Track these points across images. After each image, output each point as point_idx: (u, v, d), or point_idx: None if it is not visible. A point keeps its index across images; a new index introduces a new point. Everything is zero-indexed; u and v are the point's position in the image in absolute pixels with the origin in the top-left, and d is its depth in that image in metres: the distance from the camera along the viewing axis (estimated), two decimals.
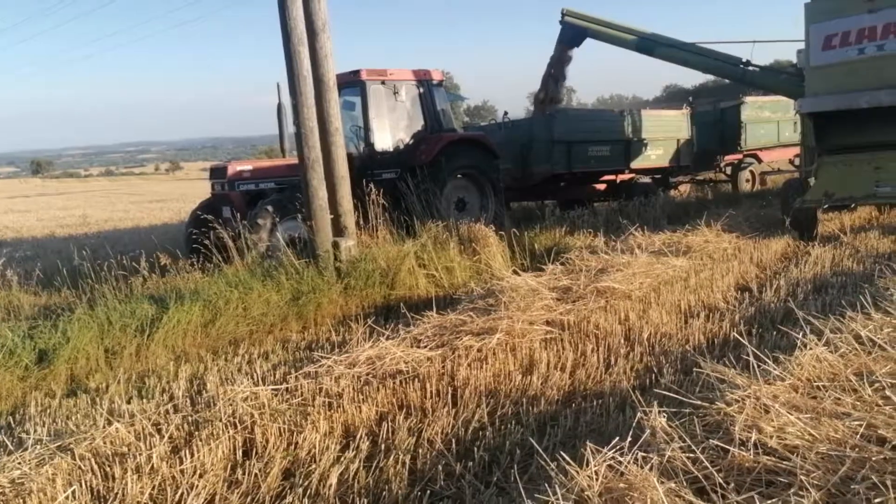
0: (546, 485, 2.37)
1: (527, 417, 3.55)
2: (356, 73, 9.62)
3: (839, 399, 2.88)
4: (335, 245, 6.79)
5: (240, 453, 3.32)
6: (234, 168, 9.12)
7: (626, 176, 13.71)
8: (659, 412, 2.77)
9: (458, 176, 10.19)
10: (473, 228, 8.18)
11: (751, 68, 11.36)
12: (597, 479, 2.35)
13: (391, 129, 10.04)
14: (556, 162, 12.16)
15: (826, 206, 8.29)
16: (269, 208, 8.16)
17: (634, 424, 2.86)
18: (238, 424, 3.51)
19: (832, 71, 7.57)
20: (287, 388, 4.02)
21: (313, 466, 3.10)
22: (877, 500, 2.10)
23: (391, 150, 9.98)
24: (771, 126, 15.67)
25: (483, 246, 7.84)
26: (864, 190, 7.79)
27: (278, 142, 9.76)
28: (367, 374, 4.15)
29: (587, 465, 2.41)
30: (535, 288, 5.69)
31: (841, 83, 7.51)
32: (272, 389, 3.98)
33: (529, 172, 12.28)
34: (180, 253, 7.95)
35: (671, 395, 3.13)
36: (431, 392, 3.88)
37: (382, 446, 3.27)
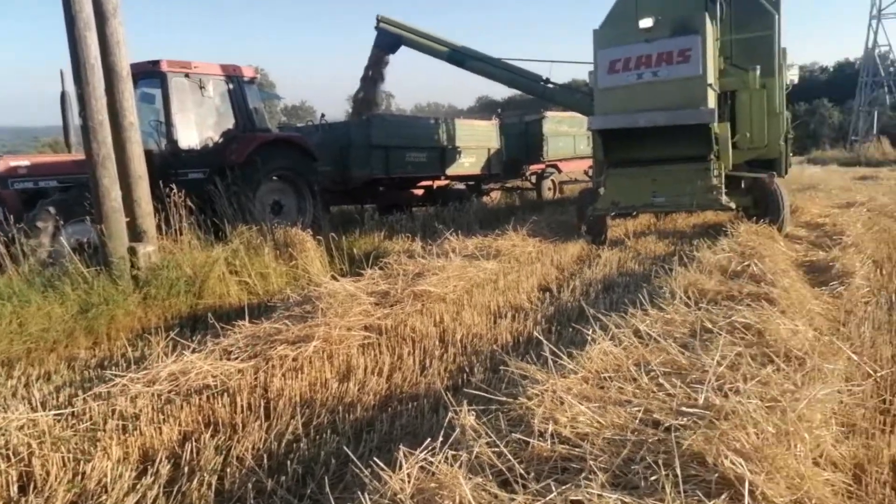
0: (359, 492, 2.36)
1: (343, 425, 3.51)
2: (156, 63, 8.88)
3: (622, 388, 3.20)
4: (132, 251, 6.20)
5: (15, 489, 2.90)
6: (6, 163, 7.97)
7: (443, 182, 14.20)
8: (469, 411, 2.88)
9: (274, 178, 9.84)
10: (290, 233, 7.95)
11: (550, 85, 12.33)
12: (409, 482, 2.39)
13: (197, 126, 9.42)
14: (374, 166, 12.25)
15: (613, 213, 9.27)
16: (51, 209, 7.24)
17: (446, 424, 2.94)
18: (12, 457, 3.06)
19: (616, 93, 8.47)
20: (73, 413, 3.58)
21: (104, 497, 2.80)
22: (652, 478, 2.36)
23: (198, 148, 9.37)
24: (568, 139, 17.19)
25: (300, 251, 7.65)
26: (643, 199, 8.82)
27: (63, 134, 8.71)
28: (170, 392, 3.84)
29: (400, 469, 2.43)
30: (353, 293, 5.66)
31: (623, 104, 8.43)
32: (54, 415, 3.52)
33: (348, 176, 12.23)
34: None
35: (480, 393, 3.29)
36: (242, 406, 3.68)
37: (186, 469, 3.04)
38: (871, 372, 3.75)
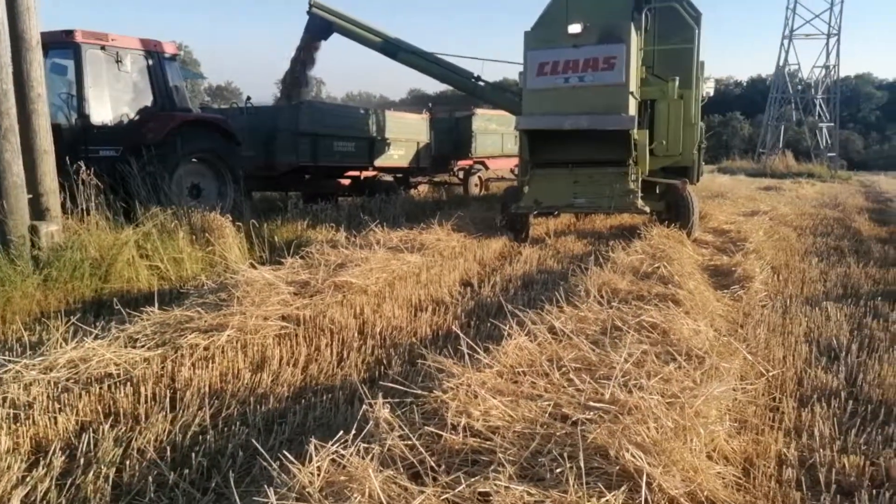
0: (266, 486, 2.31)
1: (254, 417, 3.43)
2: (69, 33, 8.37)
3: (534, 383, 3.29)
4: (33, 230, 5.83)
5: None
6: None
7: (370, 173, 14.10)
8: (384, 403, 2.88)
9: (193, 160, 9.49)
10: (208, 218, 7.68)
11: (481, 83, 12.45)
12: (318, 475, 2.37)
13: (112, 102, 8.95)
14: (301, 154, 12.01)
15: (536, 212, 9.46)
16: None
17: (360, 417, 2.93)
18: None
19: (543, 95, 8.64)
20: None
21: None
22: (558, 470, 2.44)
23: (111, 124, 8.90)
24: (496, 137, 17.42)
25: (218, 237, 7.41)
26: (565, 200, 9.05)
27: None
28: (68, 380, 3.64)
29: (310, 462, 2.41)
30: (272, 282, 5.54)
31: (550, 106, 8.62)
32: None
33: (273, 162, 11.95)
34: None
35: (397, 386, 3.30)
36: (146, 396, 3.54)
37: (82, 460, 2.89)
38: (764, 371, 4.01)
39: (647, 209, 9.01)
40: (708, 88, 10.92)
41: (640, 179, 8.99)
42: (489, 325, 4.99)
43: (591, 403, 2.98)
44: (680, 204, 9.29)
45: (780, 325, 5.19)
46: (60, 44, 8.39)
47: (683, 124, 9.76)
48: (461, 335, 3.87)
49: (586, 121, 8.36)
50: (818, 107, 37.74)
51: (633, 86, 8.68)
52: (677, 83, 9.53)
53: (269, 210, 11.51)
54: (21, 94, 5.91)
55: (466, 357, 3.48)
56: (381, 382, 3.70)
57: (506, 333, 3.97)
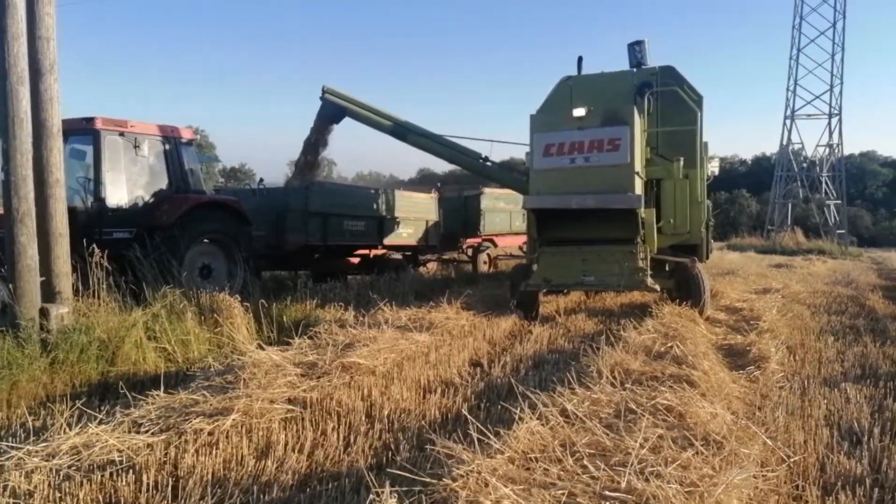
0: None
1: None
2: (90, 120, 8.71)
3: (547, 469, 3.18)
4: (44, 312, 5.85)
5: None
6: None
7: (380, 251, 14.20)
8: (391, 492, 2.79)
9: (205, 240, 9.62)
10: (216, 298, 7.70)
11: (489, 163, 12.73)
12: None
13: (128, 185, 9.19)
14: (311, 233, 12.17)
15: (545, 290, 9.44)
16: None
17: None
18: None
19: (550, 175, 8.82)
20: None
21: None
22: None
23: (126, 207, 9.10)
24: (505, 215, 17.65)
25: (227, 317, 7.40)
26: (574, 278, 9.05)
27: None
28: (70, 467, 3.55)
29: None
30: (279, 363, 5.49)
31: (557, 185, 8.77)
32: None
33: (284, 242, 12.08)
34: None
35: (405, 473, 3.19)
36: (149, 485, 3.44)
37: None
38: (785, 457, 3.86)
39: (658, 287, 8.98)
40: (713, 167, 11.11)
41: (649, 257, 9.00)
42: (500, 407, 4.87)
43: (608, 493, 2.87)
44: (690, 282, 9.26)
45: (798, 407, 5.04)
46: (81, 130, 8.72)
47: (690, 203, 9.87)
48: (471, 419, 3.78)
49: (592, 200, 8.47)
50: (824, 184, 38.12)
51: (639, 166, 8.84)
52: (682, 163, 9.71)
53: (278, 289, 11.54)
54: (40, 180, 6.09)
55: (476, 442, 3.39)
56: (388, 469, 3.59)
57: (517, 417, 3.88)
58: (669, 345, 6.20)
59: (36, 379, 5.26)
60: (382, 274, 12.47)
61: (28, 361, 5.30)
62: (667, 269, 9.89)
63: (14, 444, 3.72)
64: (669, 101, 10.13)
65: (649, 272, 8.86)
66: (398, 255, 14.70)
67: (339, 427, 4.47)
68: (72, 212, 6.82)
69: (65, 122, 6.64)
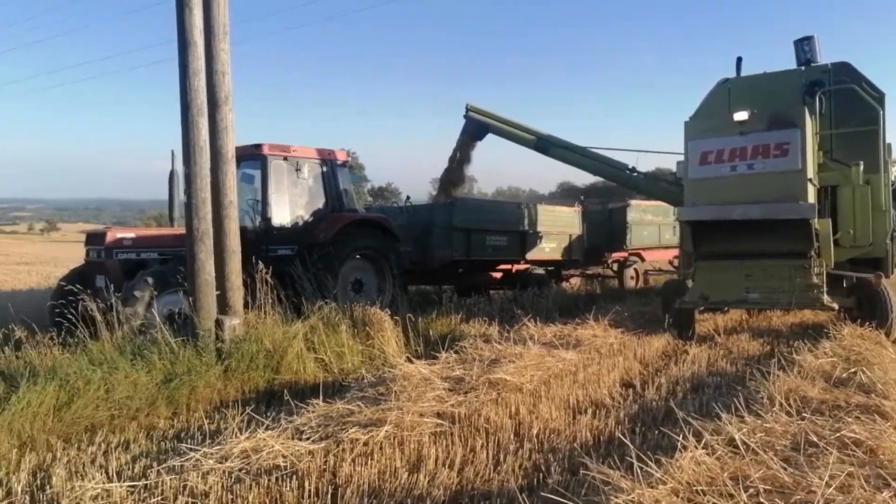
0: None
1: None
2: (258, 146, 9.48)
3: None
4: (218, 323, 6.40)
5: None
6: (113, 235, 8.56)
7: (522, 266, 14.12)
8: None
9: (357, 256, 10.09)
10: (368, 311, 8.01)
11: (636, 174, 12.22)
12: None
13: (290, 206, 9.89)
14: (455, 248, 12.36)
15: (702, 307, 8.83)
16: (149, 280, 7.64)
17: None
18: None
19: (708, 184, 8.26)
20: (146, 486, 3.60)
21: None
22: None
23: (289, 226, 9.78)
24: (653, 228, 16.85)
25: (377, 330, 7.67)
26: (735, 295, 8.38)
27: (167, 209, 9.31)
28: (240, 470, 3.80)
29: None
30: (427, 377, 5.56)
31: (716, 196, 8.20)
32: (128, 486, 3.55)
33: (429, 257, 12.37)
34: (41, 325, 7.20)
35: (559, 498, 3.07)
36: (310, 491, 3.59)
37: None
38: None
39: (835, 305, 8.09)
40: None
41: (825, 273, 8.13)
42: (657, 433, 4.58)
43: None
44: (874, 300, 8.26)
45: None
46: (250, 156, 9.51)
47: (872, 211, 8.84)
48: (629, 444, 3.57)
49: (758, 210, 7.82)
50: None
51: (811, 172, 8.06)
52: (862, 167, 8.71)
53: (424, 303, 11.81)
54: (216, 202, 6.68)
55: (636, 469, 3.18)
56: (540, 493, 3.47)
57: (679, 444, 3.60)
58: (853, 370, 5.54)
59: (211, 385, 5.74)
60: (525, 289, 12.35)
61: (205, 368, 5.80)
62: (844, 285, 8.89)
63: (192, 446, 4.05)
64: (845, 100, 9.15)
65: (825, 289, 8.00)
66: (541, 270, 14.51)
67: (487, 444, 4.42)
68: (242, 231, 7.42)
69: (236, 148, 7.26)
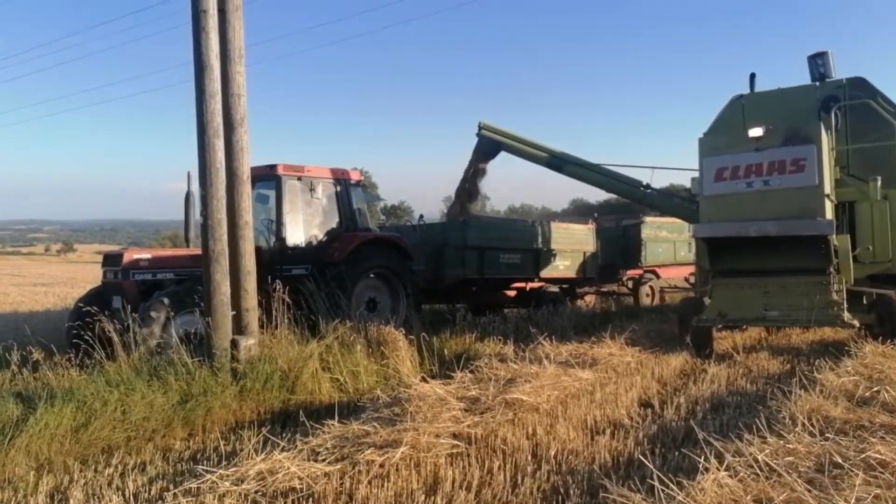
0: None
1: None
2: (272, 167, 9.55)
3: None
4: (234, 344, 6.40)
5: None
6: (130, 256, 8.63)
7: (536, 284, 14.04)
8: None
9: (371, 276, 10.09)
10: (383, 331, 7.98)
11: (650, 191, 12.18)
12: None
13: (304, 225, 9.93)
14: (468, 267, 12.33)
15: (720, 325, 8.73)
16: (165, 300, 7.69)
17: None
18: None
19: (724, 201, 8.21)
20: None
21: None
22: None
23: (303, 245, 9.82)
24: (668, 245, 16.73)
25: (392, 350, 7.64)
26: (754, 313, 8.28)
27: (183, 230, 9.39)
28: (256, 493, 3.78)
29: None
30: (443, 397, 5.52)
31: (732, 212, 8.14)
32: None
33: (442, 276, 12.35)
34: (58, 345, 7.25)
35: None
36: None
37: None
38: None
39: (856, 323, 7.96)
40: None
41: (844, 289, 8.01)
42: (677, 454, 4.50)
43: None
44: (895, 317, 8.10)
45: None
46: (265, 176, 9.58)
47: (892, 227, 8.73)
48: (650, 465, 3.51)
49: (774, 227, 7.75)
50: None
51: (828, 187, 7.99)
52: (879, 183, 8.62)
53: (437, 322, 11.77)
54: (231, 223, 6.73)
55: (659, 492, 3.12)
56: None
57: (700, 466, 3.54)
58: (876, 389, 5.45)
59: (227, 406, 5.73)
60: (539, 307, 12.27)
61: (221, 389, 5.80)
62: (864, 302, 8.76)
63: (208, 468, 4.03)
64: (861, 115, 9.10)
65: (845, 306, 7.88)
66: (555, 288, 14.43)
67: (505, 466, 4.37)
68: (256, 251, 7.45)
69: (251, 169, 7.31)
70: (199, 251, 6.93)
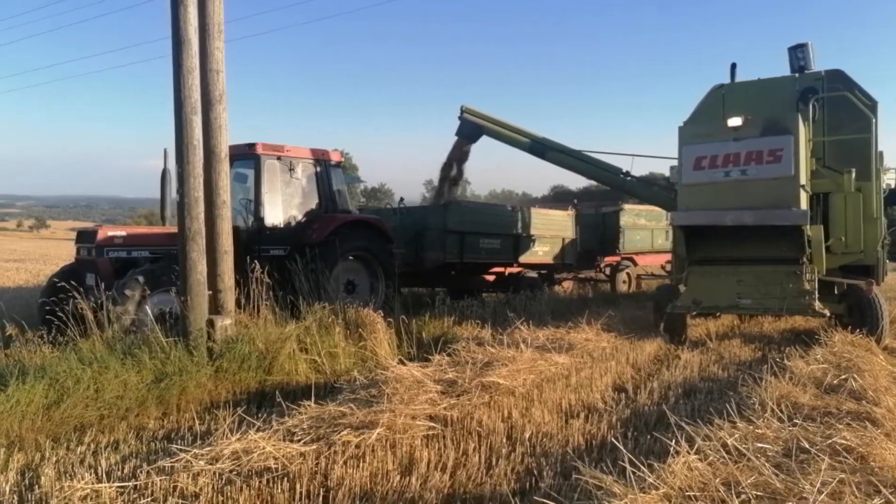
0: None
1: None
2: (252, 146, 9.43)
3: None
4: (210, 323, 6.35)
5: None
6: (104, 233, 8.49)
7: (515, 269, 14.11)
8: None
9: (350, 258, 10.05)
10: (361, 313, 7.98)
11: (629, 178, 12.25)
12: None
13: (283, 206, 9.84)
14: (448, 251, 12.34)
15: (695, 312, 8.86)
16: (140, 278, 7.59)
17: None
18: None
19: (701, 189, 8.29)
20: (136, 486, 3.57)
21: None
22: None
23: (282, 226, 9.73)
24: (646, 233, 16.89)
25: (370, 332, 7.64)
26: (727, 300, 8.41)
27: (159, 208, 9.25)
28: (231, 472, 3.77)
29: None
30: (420, 380, 5.54)
31: (709, 201, 8.23)
32: (117, 487, 3.51)
33: (422, 259, 12.35)
34: (30, 322, 7.14)
35: (550, 502, 3.06)
36: (301, 493, 3.57)
37: None
38: None
39: (826, 312, 8.12)
40: (889, 179, 9.97)
41: (817, 279, 8.17)
42: (649, 437, 4.58)
43: None
44: (865, 307, 8.31)
45: None
46: (244, 155, 9.46)
47: (864, 219, 8.90)
48: (622, 448, 3.56)
49: (750, 216, 7.86)
50: None
51: (804, 178, 8.10)
52: (854, 175, 8.77)
53: (417, 305, 11.79)
54: (209, 201, 6.64)
55: (629, 474, 3.18)
56: (533, 497, 3.47)
57: (671, 449, 3.60)
58: (844, 377, 5.57)
59: (202, 385, 5.70)
60: (518, 292, 12.34)
61: (196, 368, 5.76)
62: (836, 291, 8.94)
63: (182, 447, 4.01)
64: (838, 107, 9.22)
65: (816, 295, 8.04)
66: (534, 274, 14.51)
67: (480, 447, 4.41)
68: (235, 231, 7.37)
69: (230, 147, 7.21)
70: (175, 229, 6.84)
